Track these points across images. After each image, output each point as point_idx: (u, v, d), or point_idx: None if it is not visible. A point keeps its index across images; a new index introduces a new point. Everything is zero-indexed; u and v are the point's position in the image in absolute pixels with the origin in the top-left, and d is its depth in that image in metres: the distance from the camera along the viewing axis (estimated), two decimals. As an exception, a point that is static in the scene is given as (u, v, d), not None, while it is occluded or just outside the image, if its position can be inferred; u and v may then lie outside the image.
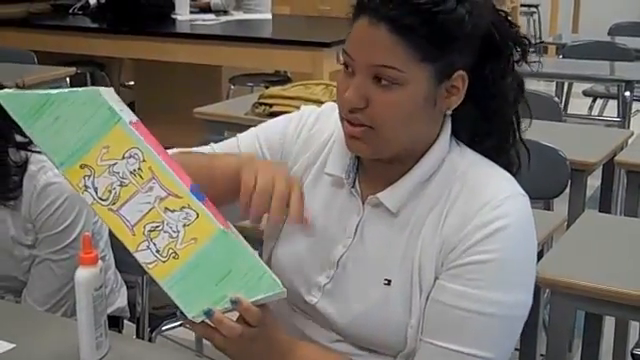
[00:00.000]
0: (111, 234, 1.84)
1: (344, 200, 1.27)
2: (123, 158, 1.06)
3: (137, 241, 1.08)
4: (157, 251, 1.08)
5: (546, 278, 1.83)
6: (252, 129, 1.40)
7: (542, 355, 2.09)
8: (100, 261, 1.35)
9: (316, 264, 1.27)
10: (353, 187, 1.26)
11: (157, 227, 1.07)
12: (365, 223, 1.25)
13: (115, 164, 1.07)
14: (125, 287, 1.99)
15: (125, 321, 2.04)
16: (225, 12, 5.54)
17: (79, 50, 5.15)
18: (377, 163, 1.23)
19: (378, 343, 1.22)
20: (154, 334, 2.20)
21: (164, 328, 2.24)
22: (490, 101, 1.20)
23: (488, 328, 1.15)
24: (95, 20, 5.47)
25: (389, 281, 1.20)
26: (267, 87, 3.98)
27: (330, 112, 1.34)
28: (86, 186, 1.08)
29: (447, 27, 1.11)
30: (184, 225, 1.06)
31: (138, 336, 2.12)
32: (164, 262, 1.08)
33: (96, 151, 1.07)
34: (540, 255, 2.01)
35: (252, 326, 1.10)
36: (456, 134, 1.24)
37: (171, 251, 1.07)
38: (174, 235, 1.07)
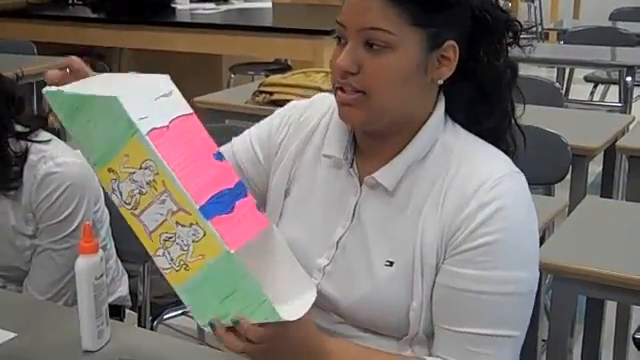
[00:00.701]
0: (112, 223, 1.85)
1: (340, 180, 1.28)
2: (140, 168, 1.07)
3: (155, 247, 1.10)
4: (171, 259, 1.10)
5: (548, 263, 1.83)
6: (246, 130, 1.43)
7: (543, 340, 2.09)
8: (101, 250, 1.35)
9: (316, 246, 1.27)
10: (351, 167, 1.27)
11: (170, 238, 1.09)
12: (363, 203, 1.25)
13: (134, 173, 1.08)
14: (127, 276, 2.00)
15: (127, 310, 2.04)
16: (225, 1, 5.53)
17: (79, 40, 5.14)
18: (372, 141, 1.24)
19: (380, 325, 1.23)
20: (155, 323, 2.20)
21: (166, 317, 2.24)
22: (487, 82, 1.22)
23: (505, 307, 1.16)
24: (95, 10, 5.46)
25: (391, 262, 1.21)
26: (267, 75, 3.97)
27: (321, 100, 1.36)
28: (113, 189, 1.11)
29: None
30: (193, 241, 1.07)
31: (140, 325, 2.12)
32: (177, 271, 1.10)
33: (119, 158, 1.09)
34: (542, 240, 2.01)
35: (255, 343, 1.08)
36: (452, 115, 1.24)
37: (182, 262, 1.09)
38: (185, 248, 1.08)
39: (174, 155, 1.07)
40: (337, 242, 1.26)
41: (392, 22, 1.13)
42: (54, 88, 1.14)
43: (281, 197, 1.34)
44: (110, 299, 1.76)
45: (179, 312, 2.26)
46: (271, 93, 3.23)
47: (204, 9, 5.26)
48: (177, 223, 1.07)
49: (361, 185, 1.26)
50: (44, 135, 1.73)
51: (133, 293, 2.03)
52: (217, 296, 1.09)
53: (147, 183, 1.07)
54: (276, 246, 1.16)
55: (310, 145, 1.33)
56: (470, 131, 1.24)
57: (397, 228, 1.22)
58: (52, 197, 1.70)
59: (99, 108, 1.09)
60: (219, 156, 1.12)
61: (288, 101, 3.55)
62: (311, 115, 1.35)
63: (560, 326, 1.95)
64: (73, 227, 1.73)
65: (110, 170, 1.10)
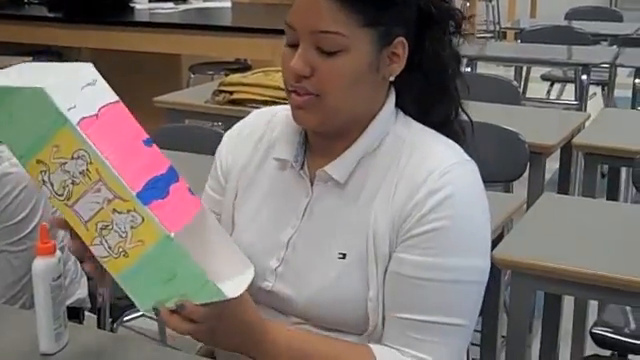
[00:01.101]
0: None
1: (290, 182, 1.28)
2: (72, 158, 1.07)
3: (91, 236, 1.10)
4: (109, 247, 1.10)
5: (506, 259, 1.85)
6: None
7: (503, 336, 2.12)
8: (59, 251, 1.33)
9: (266, 249, 1.27)
10: (302, 169, 1.27)
11: (107, 226, 1.08)
12: (315, 202, 1.26)
13: (66, 163, 1.07)
14: (85, 277, 1.97)
15: (86, 312, 2.02)
16: (184, 0, 5.50)
17: (36, 40, 5.07)
18: (324, 139, 1.25)
19: (340, 321, 1.22)
20: (115, 325, 2.18)
21: (126, 318, 2.23)
22: (433, 73, 1.23)
23: (450, 295, 1.17)
24: (52, 9, 5.39)
25: (344, 255, 1.21)
26: (227, 75, 3.96)
27: (259, 115, 1.38)
28: (44, 180, 1.09)
29: None
30: (131, 227, 1.08)
31: (99, 327, 2.10)
32: (116, 258, 1.10)
33: (48, 149, 1.07)
34: (500, 237, 2.03)
35: (199, 323, 1.10)
36: (403, 107, 1.26)
37: (121, 249, 1.09)
38: (123, 235, 1.08)
39: (106, 143, 1.07)
40: (287, 242, 1.26)
41: (343, 24, 1.14)
42: None
43: (230, 211, 1.34)
44: (69, 301, 1.75)
45: (139, 314, 2.24)
46: (231, 92, 3.22)
47: (163, 8, 5.22)
48: (114, 211, 1.07)
49: (312, 186, 1.26)
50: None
51: (92, 295, 2.02)
52: (159, 280, 1.09)
53: (80, 173, 1.07)
54: (211, 227, 1.18)
55: (257, 154, 1.33)
56: (421, 122, 1.26)
57: (349, 220, 1.22)
58: (8, 198, 1.68)
59: (23, 100, 1.07)
60: (148, 142, 1.13)
61: (248, 100, 3.54)
62: (253, 129, 1.35)
63: (519, 322, 1.97)
64: (30, 228, 1.71)
65: (39, 162, 1.09)
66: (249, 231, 1.30)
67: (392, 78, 1.22)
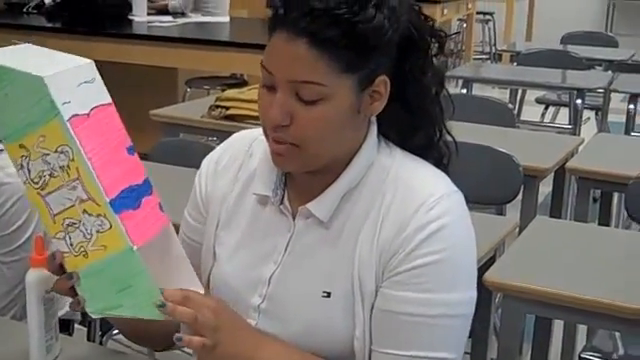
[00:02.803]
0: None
1: (271, 218, 1.25)
2: (55, 152, 1.08)
3: (56, 229, 1.11)
4: (71, 244, 1.11)
5: (497, 282, 1.86)
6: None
7: (492, 359, 2.12)
8: (52, 263, 1.33)
9: (248, 285, 1.24)
10: (282, 204, 1.24)
11: (74, 224, 1.10)
12: (297, 238, 1.22)
13: (48, 155, 1.08)
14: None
15: (76, 325, 2.01)
16: (183, 14, 5.51)
17: (33, 50, 5.07)
18: (305, 175, 1.21)
19: (326, 356, 1.20)
20: (105, 338, 2.18)
21: (115, 332, 2.21)
22: (413, 97, 1.20)
23: (439, 330, 1.15)
24: (50, 19, 5.40)
25: (328, 293, 1.18)
26: (223, 90, 3.96)
27: (239, 139, 1.34)
28: (22, 165, 1.11)
29: (367, 36, 1.09)
30: (97, 231, 1.09)
31: (89, 340, 2.10)
32: (75, 256, 1.12)
33: (34, 137, 1.08)
34: (492, 260, 2.04)
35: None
36: (385, 134, 1.23)
37: (82, 249, 1.11)
38: (87, 236, 1.10)
39: (91, 145, 1.08)
40: (269, 279, 1.23)
41: (323, 74, 1.09)
42: None
43: (211, 242, 1.30)
44: (59, 313, 1.73)
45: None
46: (227, 108, 3.22)
47: (161, 22, 5.24)
48: (85, 211, 1.08)
49: (294, 220, 1.23)
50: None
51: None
52: (112, 288, 1.11)
53: (60, 167, 1.08)
54: (173, 246, 1.18)
55: (237, 184, 1.29)
56: (403, 147, 1.23)
57: (333, 258, 1.19)
58: (3, 208, 1.68)
59: (22, 84, 1.07)
60: (131, 150, 1.13)
61: (244, 116, 3.54)
62: (232, 157, 1.31)
63: (509, 344, 1.97)
64: (24, 239, 1.71)
65: (22, 146, 1.10)
66: (230, 265, 1.27)
67: (374, 117, 1.19)
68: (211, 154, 1.35)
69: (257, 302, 1.24)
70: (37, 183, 1.10)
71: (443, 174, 1.22)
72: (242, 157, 1.30)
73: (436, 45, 1.21)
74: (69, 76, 1.10)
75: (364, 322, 1.17)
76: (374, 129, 1.22)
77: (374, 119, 1.22)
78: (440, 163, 1.25)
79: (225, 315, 1.14)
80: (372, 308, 1.17)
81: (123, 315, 1.14)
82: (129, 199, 1.10)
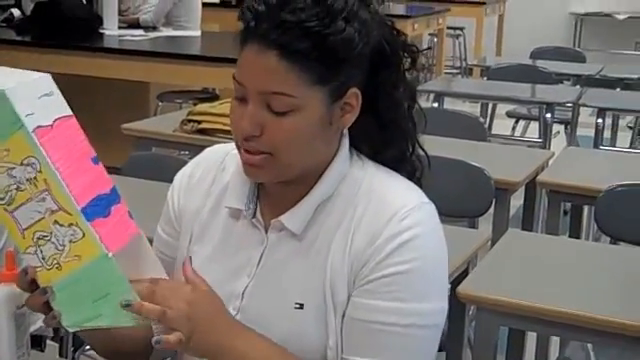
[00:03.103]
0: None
1: (243, 231, 1.25)
2: (21, 164, 1.06)
3: (26, 244, 1.09)
4: (43, 258, 1.09)
5: (470, 295, 1.87)
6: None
7: (467, 371, 2.13)
8: (23, 279, 1.31)
9: (222, 299, 1.21)
10: (254, 217, 1.24)
11: (45, 236, 1.08)
12: (270, 251, 1.23)
13: (14, 168, 1.06)
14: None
15: (48, 340, 1.99)
16: (154, 28, 5.50)
17: (3, 63, 4.98)
18: (277, 187, 1.22)
19: None
20: (77, 354, 2.16)
21: (87, 347, 2.19)
22: (385, 111, 1.21)
23: (408, 339, 1.15)
24: (19, 33, 5.35)
25: (301, 305, 1.18)
26: (195, 104, 3.96)
27: (211, 153, 1.34)
28: None
29: (338, 48, 1.11)
30: (70, 241, 1.07)
31: (61, 356, 2.07)
32: (48, 270, 1.10)
33: None
34: (465, 273, 2.05)
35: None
36: (357, 147, 1.24)
37: (55, 262, 1.09)
38: (60, 248, 1.08)
39: (57, 155, 1.07)
40: (243, 292, 1.23)
41: (293, 85, 1.11)
42: None
43: (185, 255, 1.29)
44: (31, 329, 1.71)
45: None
46: (199, 122, 3.22)
47: (132, 35, 5.22)
48: (55, 222, 1.07)
49: (267, 233, 1.23)
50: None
51: (54, 323, 1.98)
52: (88, 298, 1.09)
53: (27, 180, 1.06)
54: (145, 254, 1.18)
55: (210, 199, 1.29)
56: (375, 160, 1.24)
57: (305, 269, 1.20)
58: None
59: None
60: (95, 160, 1.13)
61: (216, 130, 3.52)
62: (205, 171, 1.31)
63: (483, 357, 1.98)
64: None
65: None
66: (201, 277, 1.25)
67: (345, 129, 1.20)
68: (184, 168, 1.35)
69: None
70: (3, 199, 1.08)
71: (415, 186, 1.23)
72: (215, 171, 1.31)
73: (408, 60, 1.22)
74: (29, 89, 1.08)
75: (337, 332, 1.17)
76: (346, 142, 1.22)
77: (346, 132, 1.23)
78: (413, 176, 1.26)
79: (200, 302, 1.13)
80: (343, 316, 1.17)
81: (102, 325, 1.12)
82: (99, 207, 1.09)
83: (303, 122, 1.13)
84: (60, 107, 1.12)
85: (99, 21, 5.34)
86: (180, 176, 1.35)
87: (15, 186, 1.07)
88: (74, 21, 5.27)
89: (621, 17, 8.79)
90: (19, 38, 5.31)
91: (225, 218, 1.27)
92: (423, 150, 1.27)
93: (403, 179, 1.23)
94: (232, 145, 1.24)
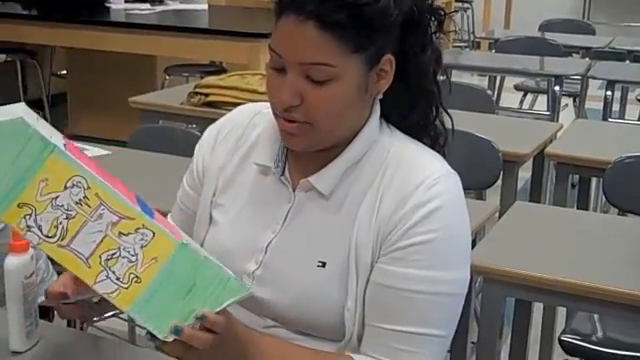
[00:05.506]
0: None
1: (271, 188, 1.27)
2: (65, 189, 1.00)
3: (95, 273, 1.02)
4: (117, 279, 1.03)
5: (478, 266, 1.86)
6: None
7: (473, 343, 2.13)
8: (31, 249, 1.32)
9: (245, 252, 1.26)
10: (282, 175, 1.27)
11: (114, 254, 1.02)
12: (296, 209, 1.25)
13: (57, 197, 1.00)
14: (56, 276, 1.95)
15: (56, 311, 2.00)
16: (161, 1, 5.48)
17: (9, 37, 5.02)
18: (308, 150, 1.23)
19: (316, 326, 1.22)
20: (85, 324, 2.17)
21: (95, 318, 2.20)
22: (413, 75, 1.23)
23: (434, 306, 1.17)
24: (26, 6, 5.34)
25: (323, 263, 1.21)
26: (202, 77, 3.95)
27: (239, 113, 1.36)
28: (29, 226, 1.01)
29: (373, 18, 1.13)
30: (141, 247, 1.02)
31: (69, 326, 2.08)
32: (127, 288, 1.03)
33: (33, 186, 0.99)
34: (473, 244, 2.04)
35: (218, 333, 1.07)
36: (386, 113, 1.26)
37: (132, 276, 1.03)
38: (133, 259, 1.02)
39: (91, 167, 1.02)
40: (266, 247, 1.26)
41: (332, 55, 1.13)
42: None
43: (207, 208, 1.32)
44: (39, 299, 1.73)
45: (110, 314, 2.22)
46: (207, 95, 3.21)
47: (139, 9, 5.20)
48: (120, 234, 1.02)
49: (294, 191, 1.26)
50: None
51: (63, 294, 1.99)
52: (178, 295, 1.03)
53: (76, 203, 1.00)
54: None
55: (237, 153, 1.32)
56: (400, 127, 1.26)
57: (331, 230, 1.22)
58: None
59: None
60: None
61: (223, 103, 3.52)
62: (235, 126, 1.34)
63: (489, 328, 1.99)
64: (2, 225, 1.69)
65: (22, 205, 0.99)
66: (228, 232, 1.29)
67: (380, 96, 1.22)
68: (214, 124, 1.38)
69: (252, 268, 1.26)
70: (54, 236, 1.00)
71: (441, 157, 1.25)
72: (244, 127, 1.33)
73: (435, 23, 1.24)
74: (27, 115, 1.02)
75: (356, 294, 1.19)
76: (377, 108, 1.25)
77: (378, 101, 1.25)
78: (436, 143, 1.28)
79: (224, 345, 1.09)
80: (367, 282, 1.19)
81: (195, 323, 1.05)
82: (145, 207, 1.06)
83: (342, 90, 1.15)
84: (52, 129, 1.07)
85: (105, -6, 5.33)
86: (209, 132, 1.37)
87: (64, 216, 1.00)
88: (80, -5, 5.26)
89: (631, -11, 8.71)
90: (25, 12, 5.30)
91: (253, 174, 1.30)
92: (448, 114, 1.29)
93: (430, 150, 1.25)
94: (264, 104, 1.28)
